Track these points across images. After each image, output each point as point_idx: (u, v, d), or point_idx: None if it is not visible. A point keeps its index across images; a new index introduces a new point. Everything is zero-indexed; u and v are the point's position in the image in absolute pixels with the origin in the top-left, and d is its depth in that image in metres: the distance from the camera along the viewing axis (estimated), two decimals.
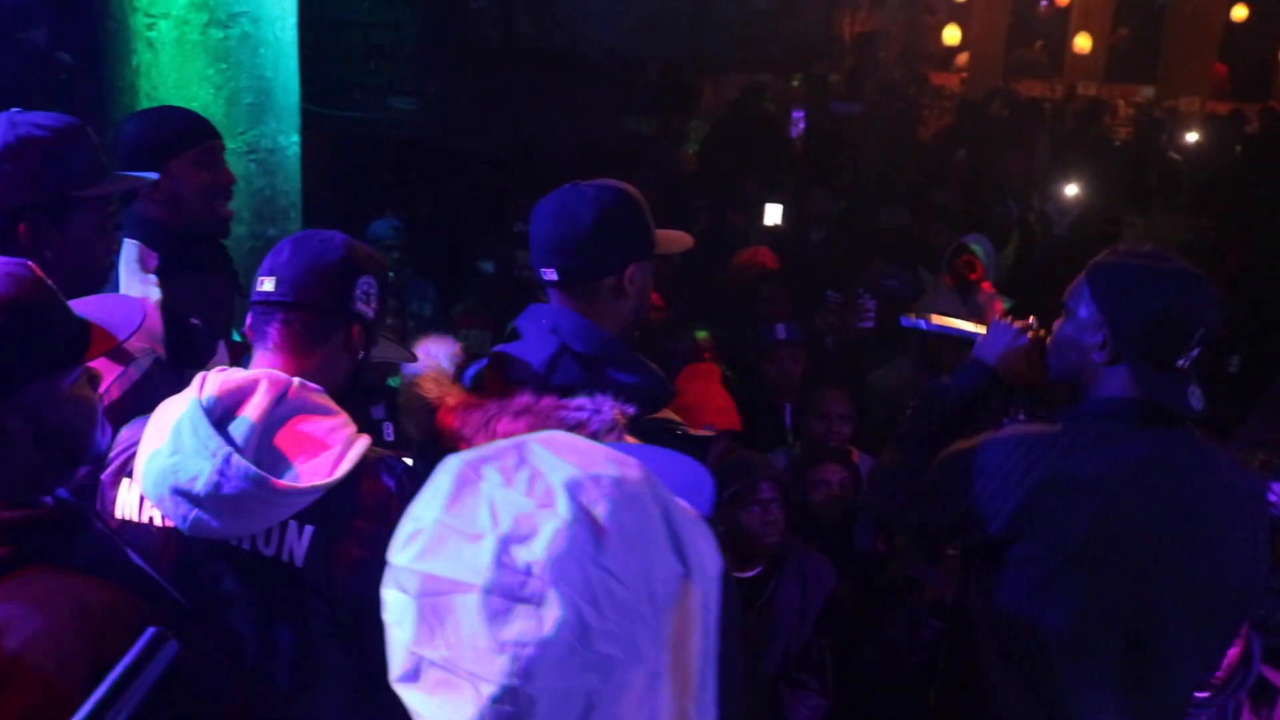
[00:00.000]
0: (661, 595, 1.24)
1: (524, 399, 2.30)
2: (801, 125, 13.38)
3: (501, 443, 1.30)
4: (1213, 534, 2.51)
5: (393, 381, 5.68)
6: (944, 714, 2.90)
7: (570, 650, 1.17)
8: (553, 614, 1.17)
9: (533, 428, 2.23)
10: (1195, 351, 2.48)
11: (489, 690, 1.18)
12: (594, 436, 2.21)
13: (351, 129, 8.60)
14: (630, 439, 2.25)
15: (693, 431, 2.47)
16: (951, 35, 20.07)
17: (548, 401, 2.29)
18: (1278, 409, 5.11)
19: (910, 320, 3.11)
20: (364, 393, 4.95)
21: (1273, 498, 3.99)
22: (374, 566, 2.19)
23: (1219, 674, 3.32)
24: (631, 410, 2.28)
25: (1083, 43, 20.06)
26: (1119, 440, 2.51)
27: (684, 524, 1.29)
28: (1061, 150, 12.63)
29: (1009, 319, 2.85)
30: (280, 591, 2.15)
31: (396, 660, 1.25)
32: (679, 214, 8.21)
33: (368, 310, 2.39)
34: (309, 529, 2.14)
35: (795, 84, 15.14)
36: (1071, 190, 10.22)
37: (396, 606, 1.25)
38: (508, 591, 1.18)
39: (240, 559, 2.17)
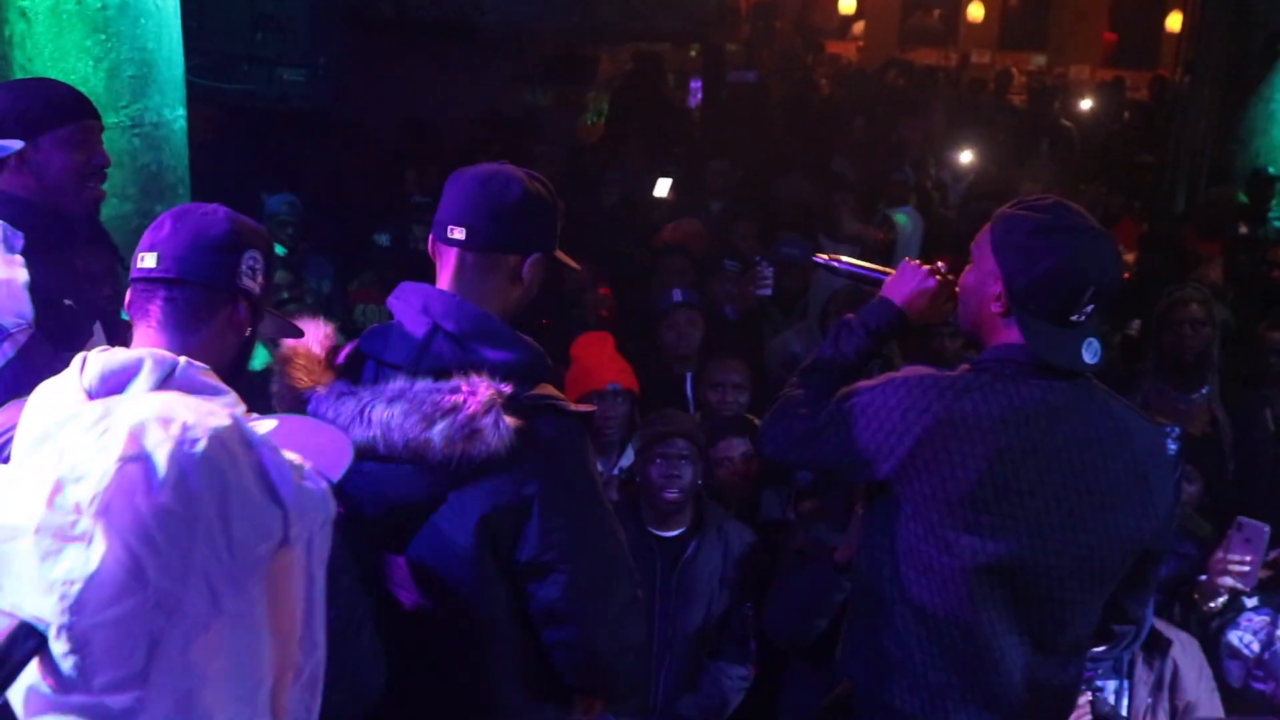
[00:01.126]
0: (246, 538, 1.23)
1: (397, 384, 2.28)
2: (699, 95, 13.40)
3: (98, 403, 1.32)
4: (1107, 482, 2.53)
5: (255, 364, 5.59)
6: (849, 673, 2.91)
7: (123, 587, 1.17)
8: (98, 549, 1.18)
9: (408, 414, 2.23)
10: (1089, 308, 2.49)
11: (50, 631, 1.18)
12: (471, 419, 2.21)
13: (241, 102, 8.43)
14: (509, 418, 2.23)
15: (572, 407, 2.41)
16: (847, 4, 20.25)
17: (421, 385, 2.27)
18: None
19: (823, 259, 3.09)
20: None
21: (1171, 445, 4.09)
22: None
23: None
24: (508, 388, 2.26)
25: (976, 12, 20.36)
26: (1013, 387, 2.52)
27: (281, 472, 1.30)
28: (956, 118, 12.80)
29: (917, 262, 2.87)
30: None
31: None
32: (582, 186, 8.19)
33: (254, 286, 2.33)
34: None
35: (693, 54, 15.16)
36: (966, 157, 10.36)
37: None
38: (57, 532, 1.18)
39: None
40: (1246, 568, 3.60)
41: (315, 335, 2.50)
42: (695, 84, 14.38)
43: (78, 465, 1.20)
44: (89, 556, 1.17)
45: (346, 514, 2.28)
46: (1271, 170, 10.23)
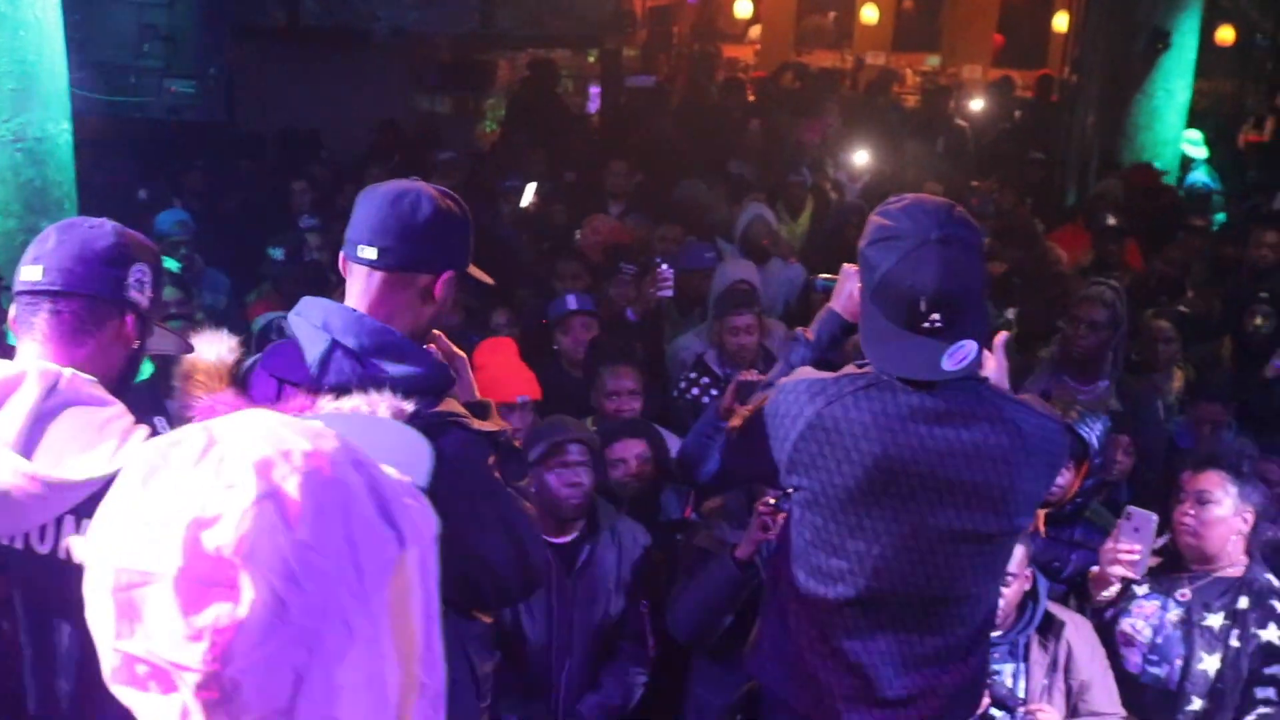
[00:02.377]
0: (371, 563, 1.22)
1: (296, 403, 2.20)
2: (599, 101, 13.43)
3: (192, 426, 1.26)
4: (993, 483, 2.51)
5: (142, 376, 5.51)
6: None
7: (269, 629, 1.15)
8: (246, 595, 1.14)
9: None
10: (935, 315, 2.43)
11: (193, 679, 1.14)
12: None
13: (129, 115, 8.29)
14: None
15: (477, 425, 2.37)
16: (743, 9, 20.38)
17: (322, 402, 2.19)
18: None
19: (821, 283, 3.11)
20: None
21: (1090, 436, 4.19)
22: None
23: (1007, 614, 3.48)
24: (410, 406, 2.19)
25: (870, 14, 20.60)
26: (888, 392, 2.51)
27: (392, 491, 1.27)
28: (852, 119, 12.96)
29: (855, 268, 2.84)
30: (57, 590, 2.06)
31: (105, 660, 1.20)
32: (482, 194, 8.16)
33: (141, 299, 2.31)
34: (86, 524, 2.06)
35: (591, 59, 15.18)
36: (862, 158, 10.50)
37: (94, 604, 1.20)
38: (199, 577, 1.15)
39: (13, 558, 2.07)
40: (1137, 556, 3.67)
41: (216, 349, 2.45)
42: (594, 89, 14.42)
43: (209, 506, 1.16)
44: (236, 602, 1.14)
45: None
46: (1156, 165, 10.53)
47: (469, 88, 12.74)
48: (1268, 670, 3.57)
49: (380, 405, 2.16)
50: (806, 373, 2.65)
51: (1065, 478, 4.15)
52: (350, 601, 1.20)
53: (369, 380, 2.24)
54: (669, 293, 6.07)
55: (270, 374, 2.41)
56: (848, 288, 2.82)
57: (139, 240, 2.35)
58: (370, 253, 2.38)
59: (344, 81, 10.27)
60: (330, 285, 5.81)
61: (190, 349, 2.45)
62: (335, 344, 2.32)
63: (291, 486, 1.19)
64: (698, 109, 12.57)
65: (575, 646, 3.92)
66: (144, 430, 2.16)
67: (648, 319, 6.08)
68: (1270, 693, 3.52)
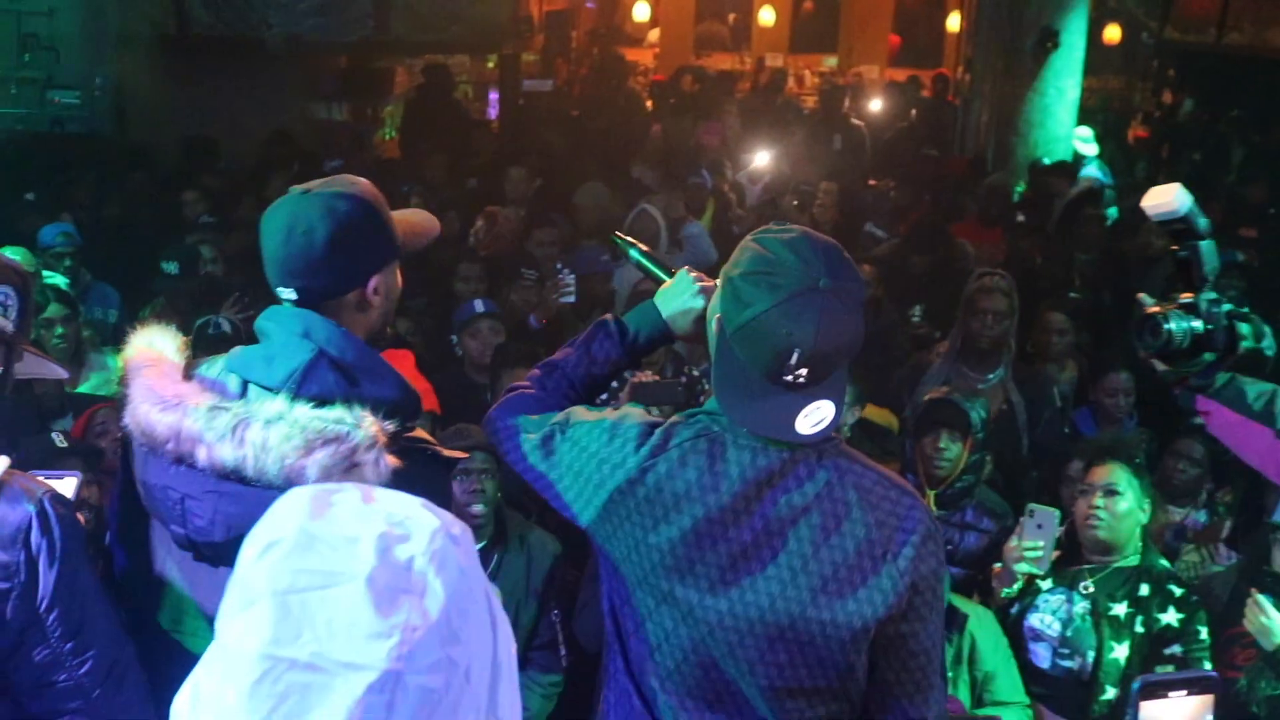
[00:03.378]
0: (483, 634, 1.30)
1: (275, 405, 2.13)
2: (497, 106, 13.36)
3: (332, 485, 1.32)
4: (824, 562, 2.17)
5: (84, 388, 5.38)
6: None
7: (446, 641, 1.20)
8: (437, 600, 1.20)
9: (288, 437, 2.09)
10: (801, 371, 2.10)
11: (368, 678, 1.16)
12: (354, 451, 2.09)
13: (10, 127, 8.06)
14: (390, 458, 2.12)
15: (445, 452, 2.31)
16: (641, 13, 20.42)
17: (303, 410, 2.12)
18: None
19: (622, 240, 2.81)
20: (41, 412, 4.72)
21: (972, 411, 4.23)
22: (16, 599, 2.05)
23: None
24: (392, 427, 2.14)
25: (767, 16, 20.75)
26: (719, 447, 2.21)
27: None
28: (751, 121, 13.03)
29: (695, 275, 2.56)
30: None
31: (242, 670, 1.18)
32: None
33: (5, 323, 2.22)
34: None
35: (491, 65, 15.10)
36: (762, 159, 10.55)
37: (244, 611, 1.20)
38: (391, 581, 1.19)
39: None
40: (1040, 553, 3.72)
41: (168, 345, 2.34)
42: (493, 95, 14.34)
43: (396, 526, 1.24)
44: (427, 605, 1.19)
45: (191, 538, 2.19)
46: (1047, 161, 10.72)
47: (366, 95, 12.62)
48: (1167, 651, 3.63)
49: (366, 421, 2.11)
50: (635, 415, 2.33)
51: (953, 450, 4.20)
52: (482, 652, 1.27)
53: (353, 396, 2.16)
54: (571, 298, 6.04)
55: (239, 375, 2.27)
56: (686, 302, 2.51)
57: (3, 262, 2.26)
58: (290, 294, 2.27)
59: (239, 90, 10.09)
60: (224, 299, 5.70)
61: (64, 374, 2.38)
62: (322, 354, 2.22)
63: (457, 530, 1.28)
64: (600, 113, 12.56)
65: None
66: (4, 462, 2.10)
67: (550, 325, 6.05)
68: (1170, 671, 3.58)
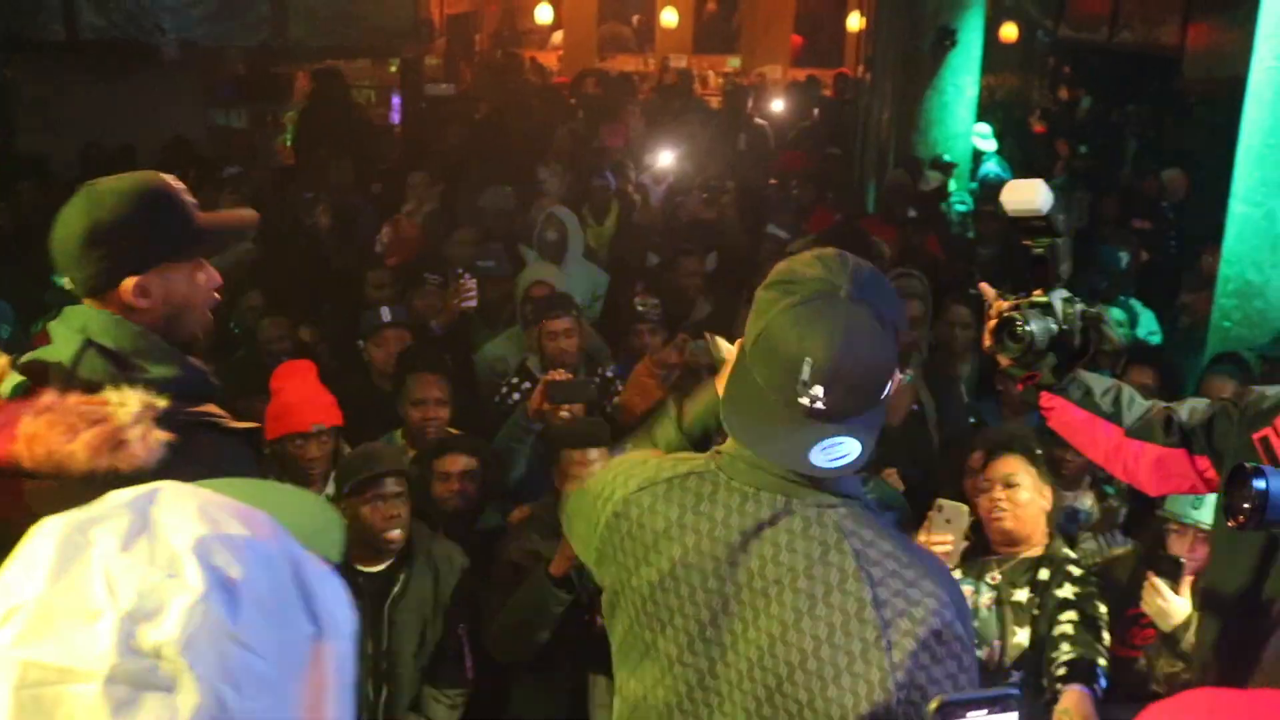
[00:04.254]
0: (293, 661, 1.11)
1: (47, 398, 2.18)
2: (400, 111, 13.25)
3: (112, 501, 1.13)
4: (804, 634, 1.89)
5: None
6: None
7: None
8: (189, 700, 1.03)
9: (53, 425, 2.13)
10: (816, 390, 1.85)
11: None
12: (118, 429, 2.13)
13: None
14: (159, 432, 2.16)
15: (232, 424, 2.38)
16: (544, 15, 20.40)
17: (71, 398, 2.18)
18: None
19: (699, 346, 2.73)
20: None
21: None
22: None
23: None
24: (163, 403, 2.18)
25: (670, 18, 20.83)
26: (710, 486, 2.02)
27: (315, 579, 1.16)
28: (654, 122, 13.05)
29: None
30: None
31: None
32: (283, 209, 7.96)
33: None
34: None
35: (394, 69, 14.98)
36: (666, 159, 10.57)
37: None
38: (135, 679, 1.02)
39: None
40: (949, 547, 3.76)
41: None
42: (396, 99, 14.22)
43: (146, 599, 1.03)
44: (176, 705, 1.01)
45: None
46: (947, 157, 10.87)
47: (266, 101, 12.45)
48: (1063, 616, 3.66)
49: (131, 399, 2.14)
50: (636, 454, 2.21)
51: None
52: (279, 704, 1.09)
53: (124, 379, 2.24)
54: (473, 303, 5.99)
55: (35, 380, 2.33)
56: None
57: None
58: (65, 282, 2.41)
59: (135, 97, 9.91)
60: None
61: None
62: (89, 343, 2.33)
63: (234, 576, 1.07)
64: (504, 115, 12.50)
65: (393, 675, 3.84)
66: None
67: (453, 330, 6.00)
68: (1067, 633, 3.62)
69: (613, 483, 2.10)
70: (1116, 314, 5.77)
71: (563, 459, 4.03)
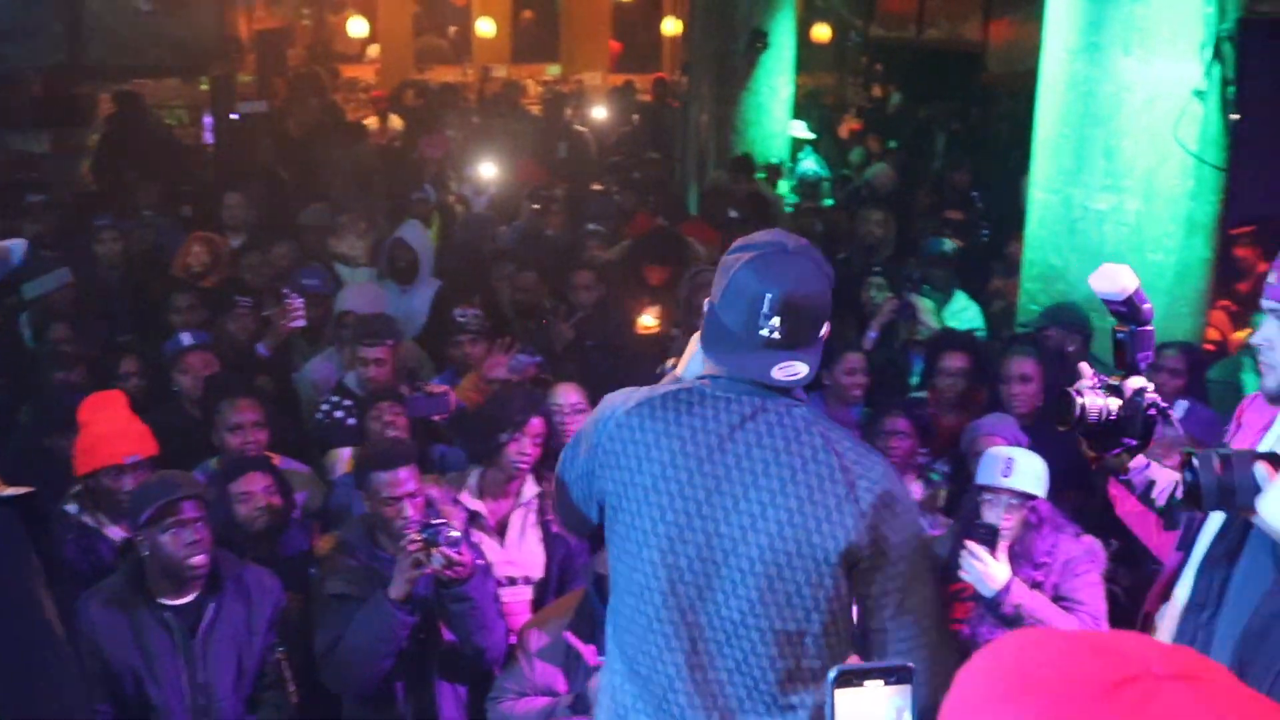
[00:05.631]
0: None
1: None
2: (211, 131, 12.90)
3: None
4: (787, 494, 2.40)
5: None
6: None
7: None
8: None
9: None
10: (775, 319, 2.39)
11: None
12: None
13: None
14: None
15: (4, 491, 2.19)
16: (359, 28, 20.12)
17: None
18: None
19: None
20: None
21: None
22: None
23: None
24: None
25: (486, 28, 20.75)
26: (695, 394, 2.50)
27: None
28: (474, 132, 12.96)
29: None
30: None
31: None
32: (83, 235, 7.64)
33: None
34: None
35: (205, 87, 14.57)
36: (487, 170, 10.50)
37: None
38: None
39: None
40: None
41: None
42: (208, 119, 13.82)
43: None
44: None
45: None
46: (773, 160, 11.05)
47: (67, 123, 11.95)
48: None
49: None
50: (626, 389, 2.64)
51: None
52: None
53: None
54: (301, 323, 5.85)
55: None
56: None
57: None
58: None
59: None
60: None
61: None
62: None
63: None
64: (321, 132, 12.26)
65: (214, 707, 3.70)
66: None
67: (279, 351, 5.85)
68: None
69: (610, 404, 2.57)
70: (928, 303, 5.92)
71: (372, 481, 3.95)
